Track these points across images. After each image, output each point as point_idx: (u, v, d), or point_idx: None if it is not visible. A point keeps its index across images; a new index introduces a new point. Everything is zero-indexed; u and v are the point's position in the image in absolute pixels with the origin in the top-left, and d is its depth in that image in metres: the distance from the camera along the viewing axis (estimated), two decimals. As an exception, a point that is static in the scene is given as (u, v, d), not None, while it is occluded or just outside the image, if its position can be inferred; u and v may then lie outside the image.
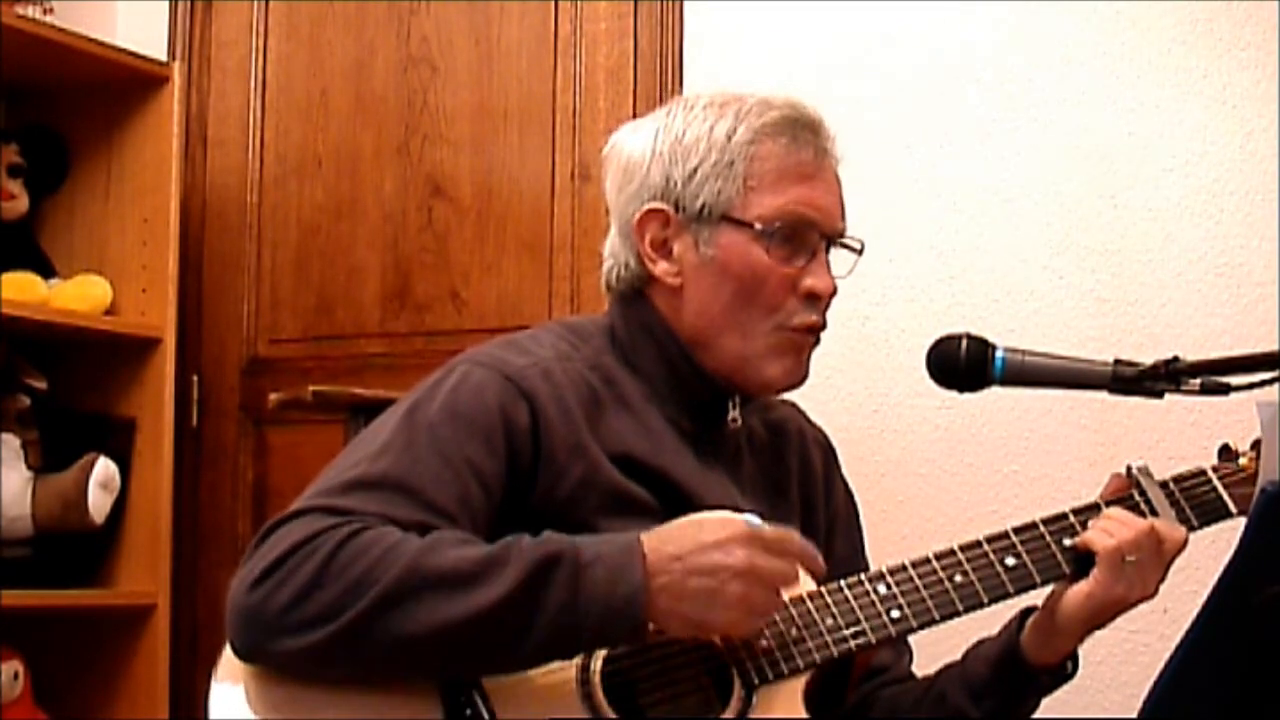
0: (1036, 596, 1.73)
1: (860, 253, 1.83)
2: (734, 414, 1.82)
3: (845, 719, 1.76)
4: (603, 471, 1.70)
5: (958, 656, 1.83)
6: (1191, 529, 1.72)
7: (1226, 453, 1.78)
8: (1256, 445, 1.75)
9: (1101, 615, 1.69)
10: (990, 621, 1.77)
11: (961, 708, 1.78)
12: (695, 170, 1.77)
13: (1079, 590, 1.68)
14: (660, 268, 1.80)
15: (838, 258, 1.81)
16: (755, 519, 1.70)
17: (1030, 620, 1.75)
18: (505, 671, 1.59)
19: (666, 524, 1.64)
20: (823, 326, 1.80)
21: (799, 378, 1.81)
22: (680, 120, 1.80)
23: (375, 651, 1.55)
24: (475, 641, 1.55)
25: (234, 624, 1.58)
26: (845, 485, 1.98)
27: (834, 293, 1.78)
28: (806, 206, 1.77)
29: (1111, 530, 1.68)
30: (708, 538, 1.57)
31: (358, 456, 1.66)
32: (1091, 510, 1.73)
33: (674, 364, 1.80)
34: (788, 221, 1.76)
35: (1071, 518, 1.72)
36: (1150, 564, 1.67)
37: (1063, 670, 1.75)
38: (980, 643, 1.81)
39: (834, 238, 1.80)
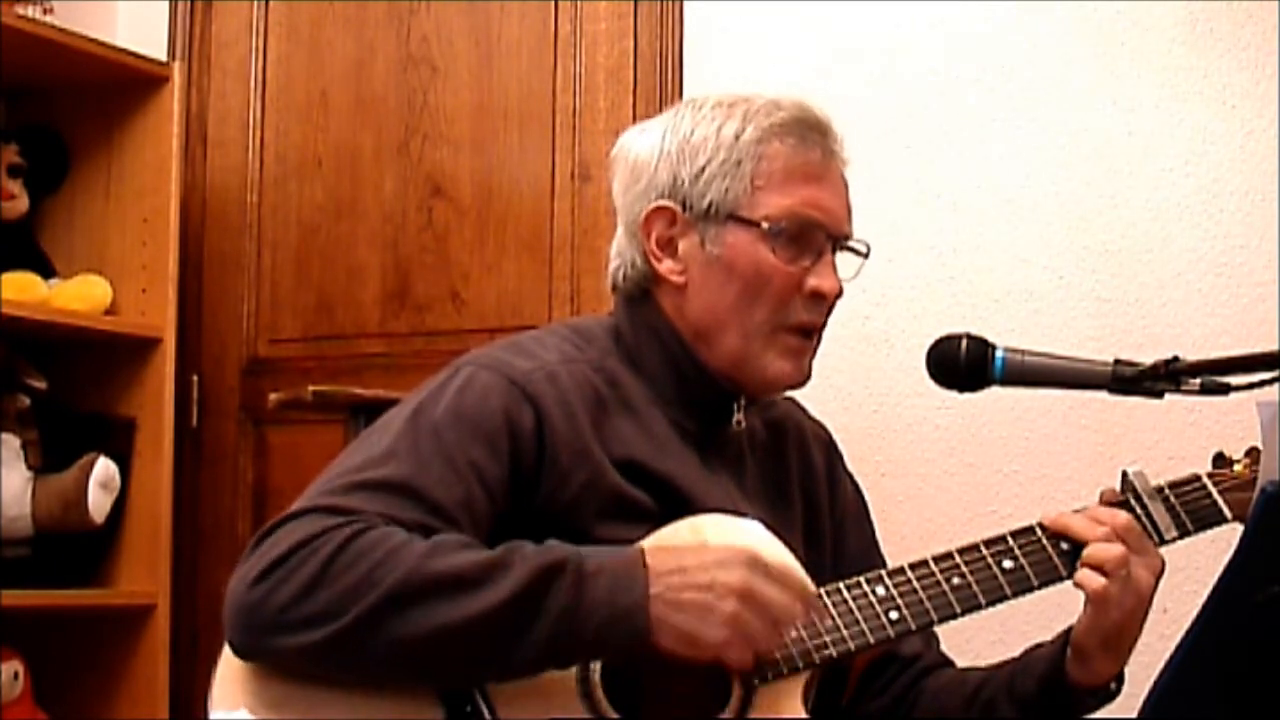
0: (1038, 600, 1.73)
1: (866, 256, 1.82)
2: (738, 416, 1.82)
3: (845, 719, 1.76)
4: (606, 477, 1.70)
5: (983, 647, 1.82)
6: (1186, 534, 1.73)
7: (1221, 460, 1.78)
8: (1250, 453, 1.75)
9: (1110, 640, 1.68)
10: (993, 622, 1.77)
11: None
12: (703, 169, 1.77)
13: (1081, 625, 1.69)
14: (665, 265, 1.80)
15: (843, 260, 1.80)
16: (757, 524, 1.71)
17: (1071, 640, 1.74)
18: (503, 678, 1.59)
19: (672, 537, 1.65)
20: (821, 326, 1.80)
21: (800, 378, 1.80)
22: (688, 120, 1.80)
23: (374, 653, 1.54)
24: (475, 645, 1.55)
25: (233, 620, 1.58)
26: (851, 479, 1.98)
27: (839, 294, 1.78)
28: (813, 208, 1.77)
29: (1103, 564, 1.67)
30: (710, 556, 1.58)
31: (361, 458, 1.66)
32: None
33: (679, 365, 1.80)
34: (794, 222, 1.76)
35: None
36: (1129, 587, 1.66)
37: (1107, 690, 1.74)
38: (1036, 647, 1.80)
39: (840, 239, 1.80)
